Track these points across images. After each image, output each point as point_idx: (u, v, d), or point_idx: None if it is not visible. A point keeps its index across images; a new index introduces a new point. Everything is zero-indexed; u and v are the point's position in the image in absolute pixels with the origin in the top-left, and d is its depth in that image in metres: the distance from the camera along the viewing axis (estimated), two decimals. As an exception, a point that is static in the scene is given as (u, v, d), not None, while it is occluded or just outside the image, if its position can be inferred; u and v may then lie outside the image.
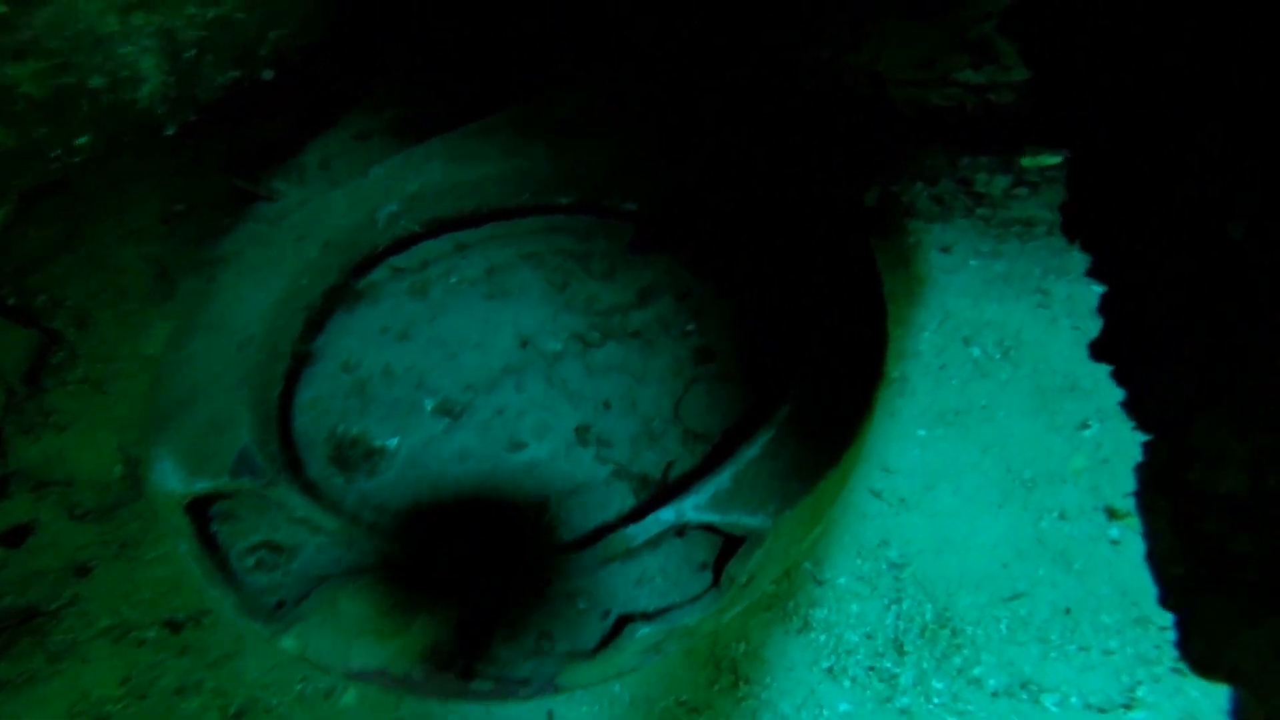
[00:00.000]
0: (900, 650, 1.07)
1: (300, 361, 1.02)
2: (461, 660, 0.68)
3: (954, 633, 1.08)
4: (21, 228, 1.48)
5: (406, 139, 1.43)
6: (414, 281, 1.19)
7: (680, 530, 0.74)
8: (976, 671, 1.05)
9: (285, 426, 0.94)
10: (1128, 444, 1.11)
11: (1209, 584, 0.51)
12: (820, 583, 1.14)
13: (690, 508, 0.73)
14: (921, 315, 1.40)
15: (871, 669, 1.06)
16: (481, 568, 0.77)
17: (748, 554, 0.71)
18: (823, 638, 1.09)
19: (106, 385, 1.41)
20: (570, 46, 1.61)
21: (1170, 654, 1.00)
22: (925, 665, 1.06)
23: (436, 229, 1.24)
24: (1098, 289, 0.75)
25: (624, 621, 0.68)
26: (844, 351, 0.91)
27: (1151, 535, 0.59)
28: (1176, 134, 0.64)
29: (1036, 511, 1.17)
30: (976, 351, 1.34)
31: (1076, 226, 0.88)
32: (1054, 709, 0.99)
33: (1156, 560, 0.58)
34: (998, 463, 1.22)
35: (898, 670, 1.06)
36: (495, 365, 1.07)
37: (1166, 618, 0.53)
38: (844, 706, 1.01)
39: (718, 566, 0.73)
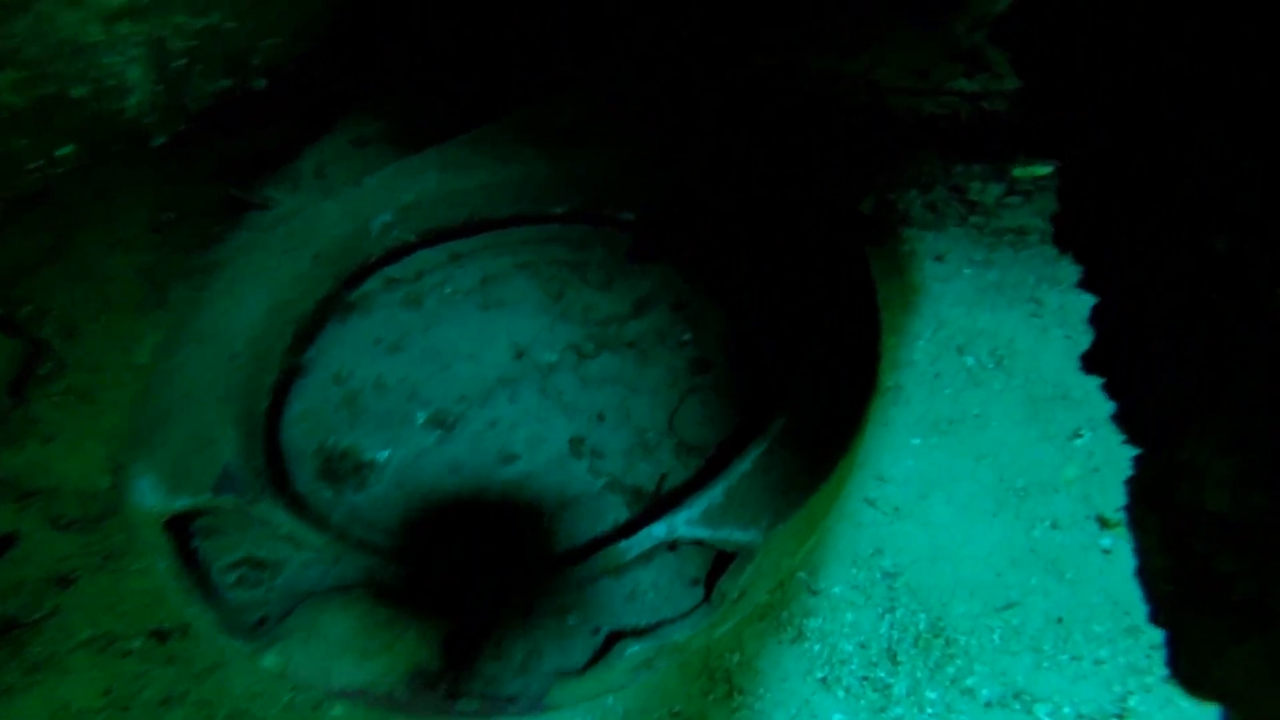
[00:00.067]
0: (894, 660, 1.08)
1: (290, 374, 1.02)
2: (448, 679, 0.67)
3: (947, 642, 1.08)
4: (6, 237, 1.46)
5: (403, 147, 1.42)
6: (408, 292, 1.18)
7: (672, 545, 0.74)
8: (970, 682, 1.05)
9: (273, 440, 0.93)
10: (1119, 454, 1.11)
11: (1197, 602, 0.51)
12: (814, 592, 1.14)
13: (682, 523, 0.73)
14: (916, 324, 1.41)
15: (865, 679, 1.06)
16: (471, 582, 0.76)
17: (739, 569, 0.71)
18: (817, 647, 1.09)
19: (95, 395, 1.39)
20: (570, 47, 1.61)
21: (1161, 664, 1.01)
22: (919, 675, 1.06)
23: (431, 239, 1.23)
24: (1089, 299, 0.76)
25: (614, 638, 0.68)
26: (838, 363, 0.91)
27: (1141, 552, 0.59)
28: (1170, 140, 0.64)
29: (1029, 520, 1.18)
30: (970, 360, 1.35)
31: (1067, 238, 0.88)
32: (1046, 719, 1.00)
33: (1146, 577, 0.58)
34: (991, 472, 1.23)
35: (891, 680, 1.06)
36: (489, 376, 1.07)
37: (1157, 629, 0.54)
38: (838, 717, 1.01)
39: (709, 581, 0.73)
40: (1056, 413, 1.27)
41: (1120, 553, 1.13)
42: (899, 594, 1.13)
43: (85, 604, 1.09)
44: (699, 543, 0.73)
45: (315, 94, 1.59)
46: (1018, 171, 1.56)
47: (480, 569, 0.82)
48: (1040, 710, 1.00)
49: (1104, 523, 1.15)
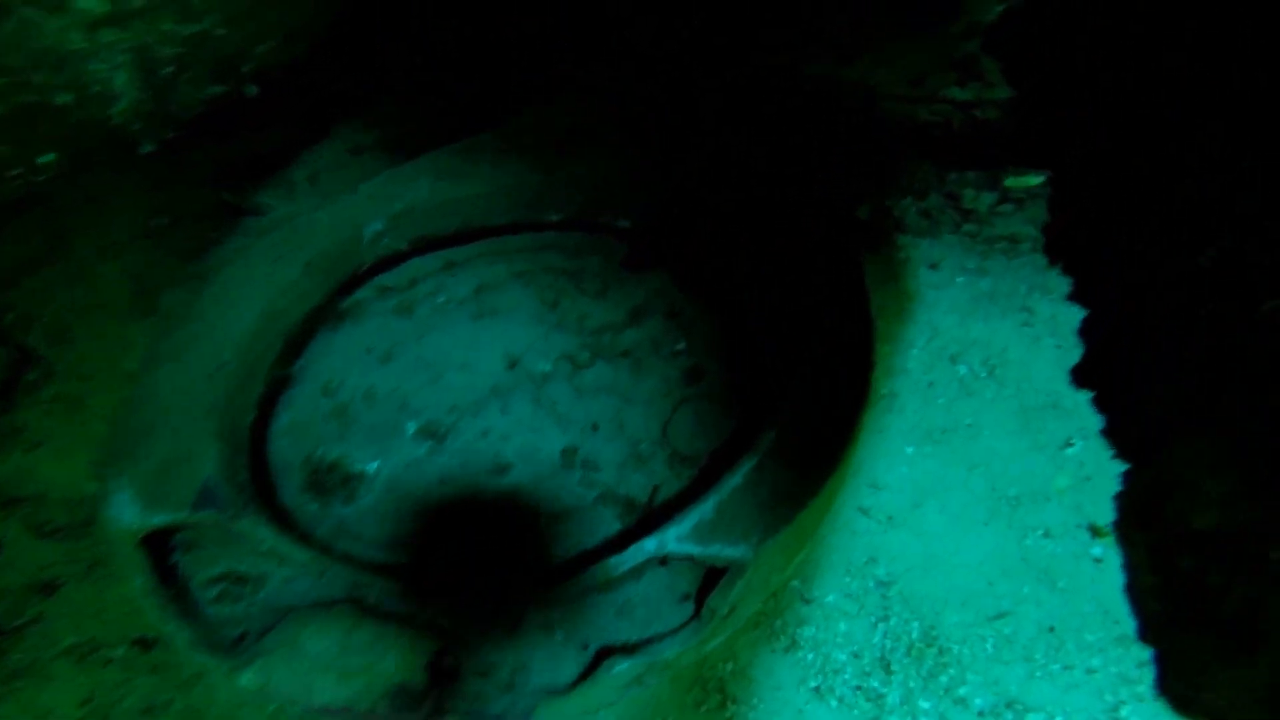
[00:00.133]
0: (887, 669, 1.08)
1: (279, 385, 1.01)
2: (432, 696, 0.67)
3: (940, 651, 1.09)
4: (-7, 244, 1.45)
5: (399, 154, 1.42)
6: (400, 300, 1.17)
7: (663, 560, 0.74)
8: (962, 691, 1.05)
9: (259, 453, 0.92)
10: (1109, 464, 1.12)
11: (1186, 620, 0.51)
12: (808, 601, 1.14)
13: (673, 538, 0.73)
14: (910, 332, 1.41)
15: (859, 688, 1.06)
16: (459, 597, 0.76)
17: (729, 586, 0.70)
18: (810, 656, 1.09)
19: (84, 402, 1.38)
20: (570, 47, 1.60)
21: (1152, 674, 1.01)
22: (912, 684, 1.06)
23: (425, 247, 1.23)
24: (1080, 310, 0.76)
25: (603, 654, 0.67)
26: (831, 374, 0.91)
27: (1130, 569, 0.59)
28: (1170, 140, 0.64)
29: (1021, 529, 1.18)
30: (963, 369, 1.36)
31: (1057, 249, 0.89)
32: (1039, 729, 1.00)
33: (1135, 594, 0.58)
34: (984, 481, 1.23)
35: (885, 690, 1.06)
36: (482, 386, 1.06)
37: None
38: (831, 728, 1.01)
39: (700, 597, 0.72)
40: (1048, 422, 1.27)
41: (1111, 562, 1.13)
42: (892, 603, 1.13)
43: (68, 611, 1.07)
44: (689, 559, 0.73)
45: (310, 99, 1.58)
46: (1009, 182, 1.57)
47: (469, 583, 0.81)
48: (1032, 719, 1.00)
49: (1095, 532, 1.16)
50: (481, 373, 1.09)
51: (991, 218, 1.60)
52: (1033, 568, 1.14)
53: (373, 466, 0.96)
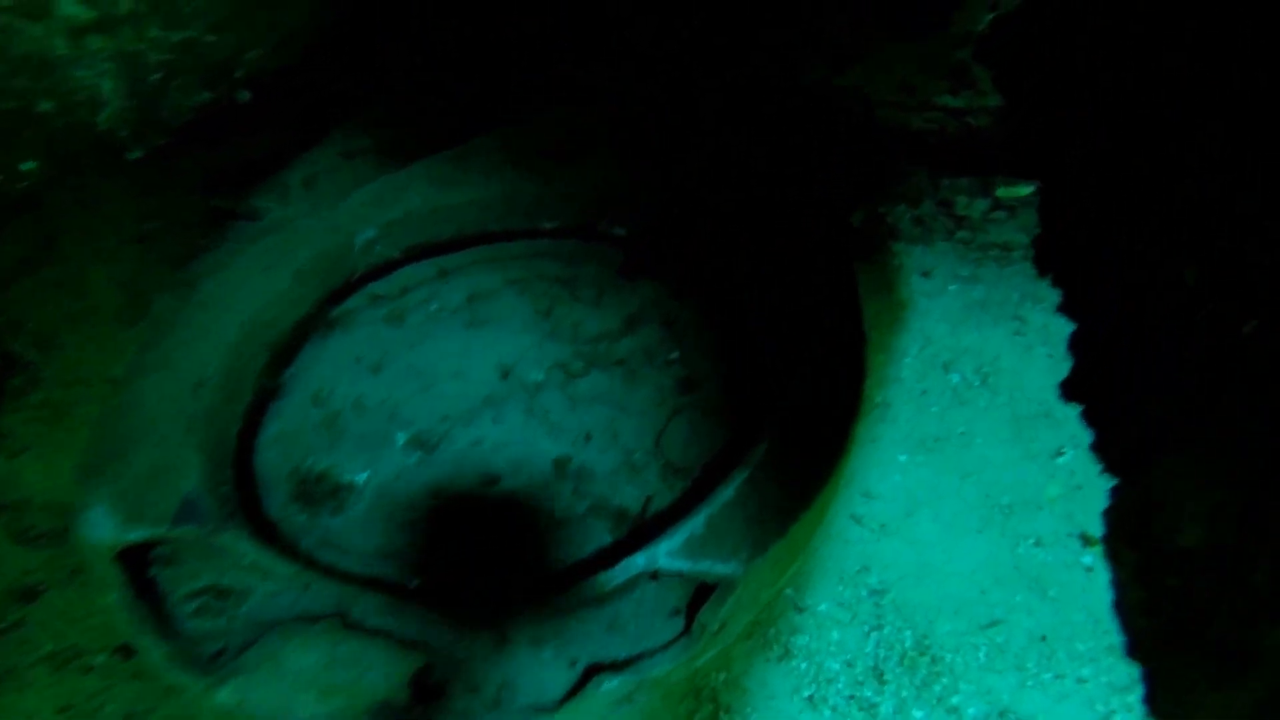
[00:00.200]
0: (880, 678, 1.08)
1: (267, 395, 1.00)
2: (416, 714, 0.66)
3: (933, 660, 1.09)
4: (-22, 251, 1.43)
5: (395, 159, 1.41)
6: (392, 309, 1.16)
7: (654, 574, 0.74)
8: (955, 700, 1.05)
9: (244, 464, 0.91)
10: (1100, 474, 1.13)
11: (1174, 639, 0.51)
12: (801, 610, 1.14)
13: (663, 554, 0.72)
14: (904, 340, 1.42)
15: (852, 697, 1.06)
16: (446, 611, 0.75)
17: (719, 602, 0.70)
18: (803, 665, 1.09)
19: (71, 409, 1.36)
20: (570, 46, 1.60)
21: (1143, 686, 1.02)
22: (905, 694, 1.06)
23: (418, 254, 1.22)
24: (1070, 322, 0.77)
25: (592, 671, 0.67)
26: (823, 387, 0.91)
27: (1118, 585, 0.60)
28: (1169, 141, 0.64)
29: (1013, 538, 1.19)
30: (956, 378, 1.37)
31: (1047, 261, 0.89)
32: (1031, 739, 1.00)
33: (1123, 610, 0.58)
34: (976, 489, 1.24)
35: (878, 699, 1.06)
36: (474, 396, 1.06)
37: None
38: (825, 738, 1.01)
39: (690, 612, 0.72)
40: (1039, 431, 1.28)
41: (1102, 571, 1.14)
42: (885, 611, 1.14)
43: (50, 618, 1.06)
44: (679, 575, 0.73)
45: (305, 103, 1.57)
46: (1001, 192, 1.59)
47: (456, 596, 0.80)
48: (1024, 730, 1.00)
49: (1086, 540, 1.17)
50: (473, 382, 1.08)
51: (985, 224, 1.61)
52: (1025, 576, 1.15)
53: (362, 477, 0.95)
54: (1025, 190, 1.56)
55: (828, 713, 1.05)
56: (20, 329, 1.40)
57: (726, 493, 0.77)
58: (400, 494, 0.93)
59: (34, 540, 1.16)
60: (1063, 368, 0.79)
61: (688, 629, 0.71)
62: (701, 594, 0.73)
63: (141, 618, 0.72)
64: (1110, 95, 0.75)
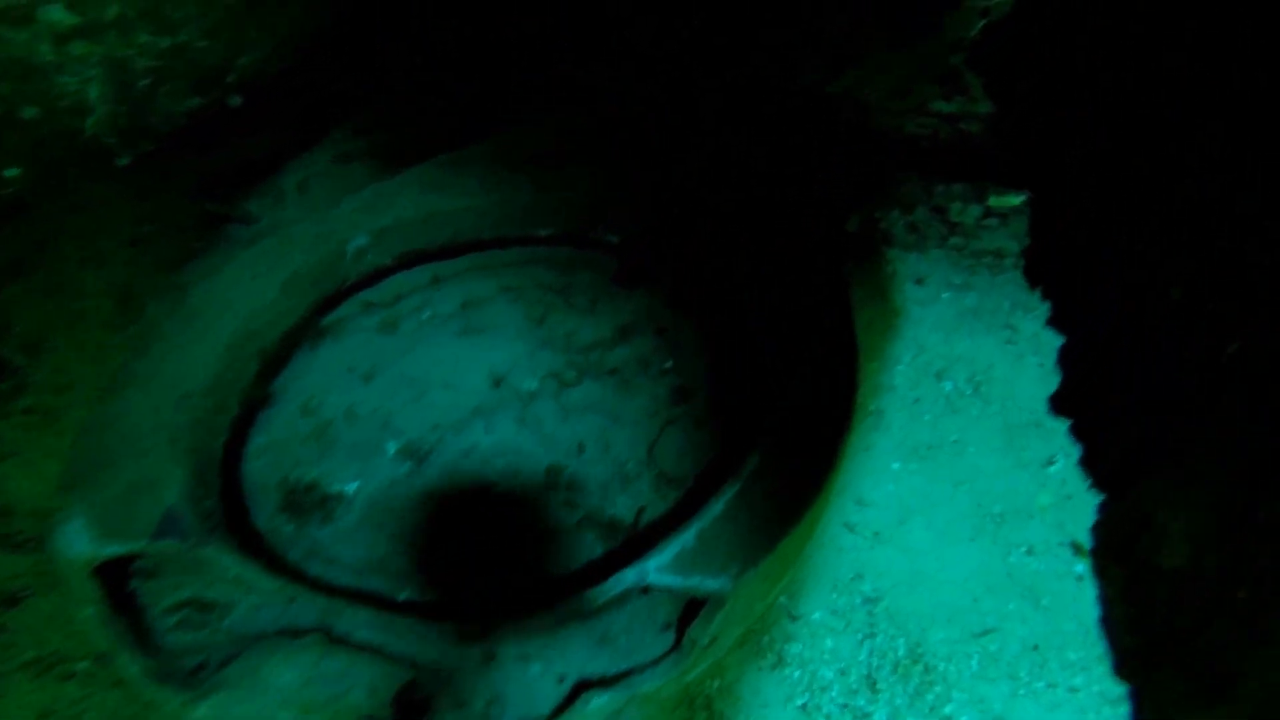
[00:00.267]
0: (873, 687, 1.08)
1: (254, 407, 0.99)
2: None
3: (926, 669, 1.09)
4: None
5: (391, 163, 1.40)
6: (384, 317, 1.16)
7: (644, 589, 0.73)
8: (948, 709, 1.05)
9: (232, 475, 0.90)
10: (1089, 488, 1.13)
11: (1160, 658, 0.51)
12: (795, 618, 1.13)
13: (653, 569, 0.72)
14: (897, 348, 1.42)
15: (845, 706, 1.06)
16: (434, 624, 0.74)
17: (709, 617, 0.70)
18: (797, 674, 1.09)
19: (59, 415, 1.35)
20: (570, 46, 1.60)
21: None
22: (898, 702, 1.06)
23: (410, 261, 1.21)
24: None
25: (581, 687, 0.66)
26: (815, 399, 0.91)
27: (1105, 601, 0.60)
28: (1169, 141, 0.64)
29: (1006, 546, 1.19)
30: (948, 386, 1.37)
31: (1037, 273, 0.90)
32: (1022, 748, 1.00)
33: (1110, 628, 0.58)
34: (969, 497, 1.24)
35: (871, 709, 1.06)
36: (466, 405, 1.05)
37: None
38: (818, 748, 1.01)
39: (681, 626, 0.72)
40: (1031, 440, 1.29)
41: (1093, 581, 1.14)
42: (878, 620, 1.14)
43: (33, 624, 1.04)
44: (669, 590, 0.72)
45: (299, 107, 1.56)
46: (992, 201, 1.59)
47: (445, 609, 0.80)
48: (1016, 739, 1.01)
49: (1077, 549, 1.17)
50: (466, 391, 1.08)
51: (977, 231, 1.61)
52: (1017, 584, 1.15)
53: (352, 487, 0.94)
54: (1016, 200, 1.57)
55: (821, 721, 1.05)
56: (8, 333, 1.39)
57: (717, 506, 0.76)
58: (390, 504, 0.92)
59: (18, 546, 1.15)
60: (1053, 378, 0.79)
61: (678, 644, 0.71)
62: (693, 608, 0.72)
63: (119, 632, 0.71)
64: (1110, 95, 0.74)
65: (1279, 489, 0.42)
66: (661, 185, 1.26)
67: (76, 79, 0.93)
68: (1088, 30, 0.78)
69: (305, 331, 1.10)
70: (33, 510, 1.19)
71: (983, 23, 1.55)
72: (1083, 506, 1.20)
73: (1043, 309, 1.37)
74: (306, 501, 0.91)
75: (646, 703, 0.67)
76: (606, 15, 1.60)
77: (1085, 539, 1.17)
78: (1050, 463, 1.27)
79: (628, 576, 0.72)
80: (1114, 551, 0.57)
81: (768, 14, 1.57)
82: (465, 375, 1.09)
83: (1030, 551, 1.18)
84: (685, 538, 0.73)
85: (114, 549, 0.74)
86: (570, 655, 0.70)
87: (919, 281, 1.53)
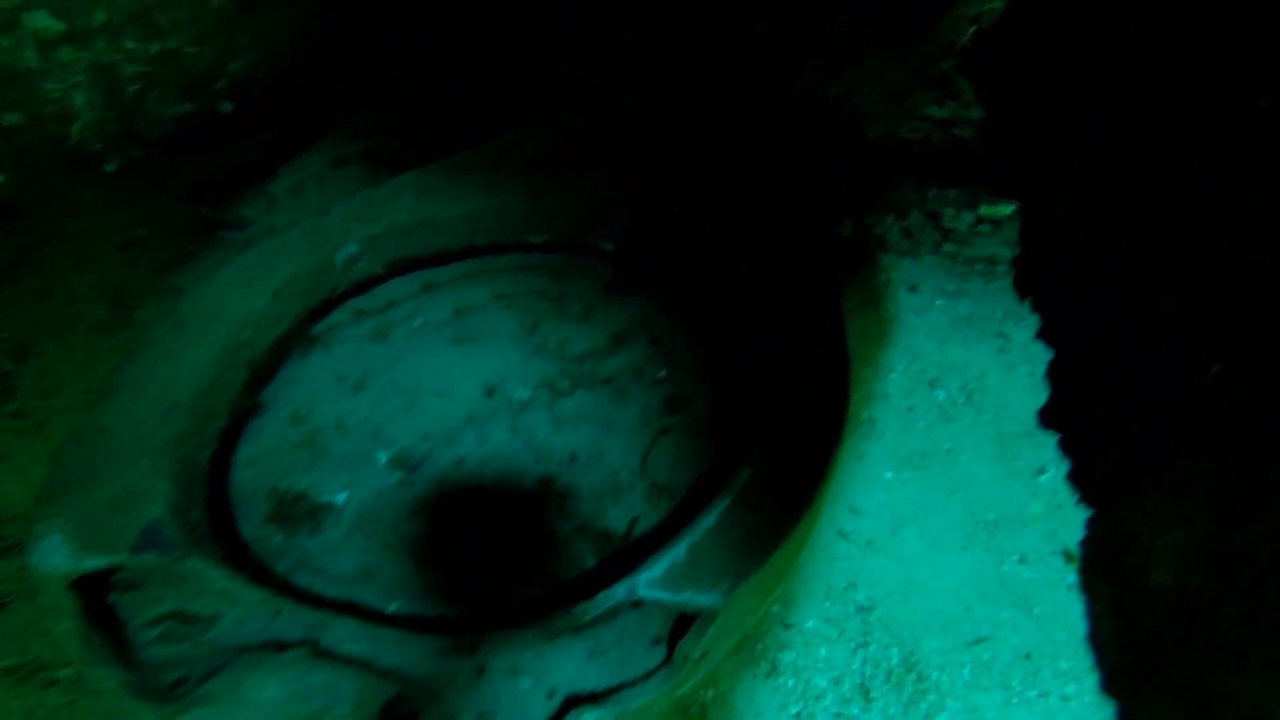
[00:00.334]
0: (867, 696, 1.08)
1: (245, 415, 0.98)
2: None
3: (919, 678, 1.09)
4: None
5: (386, 167, 1.39)
6: (375, 325, 1.15)
7: (636, 603, 0.73)
8: (941, 718, 1.05)
9: (219, 486, 0.89)
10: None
11: (1146, 676, 0.51)
12: (788, 626, 1.13)
13: (643, 584, 0.72)
14: (890, 356, 1.43)
15: (839, 715, 1.06)
16: (422, 637, 0.73)
17: (700, 632, 0.70)
18: (790, 682, 1.09)
19: (47, 420, 1.33)
20: (570, 46, 1.59)
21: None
22: (892, 711, 1.06)
23: (402, 269, 1.20)
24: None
25: (571, 703, 0.66)
26: (807, 410, 0.91)
27: (1092, 617, 0.60)
28: (1169, 141, 0.63)
29: (998, 555, 1.20)
30: (941, 395, 1.37)
31: (1026, 285, 0.90)
32: (1015, 758, 1.00)
33: (1097, 644, 0.58)
34: (961, 506, 1.24)
35: (865, 717, 1.06)
36: (458, 414, 1.04)
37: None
38: (811, 758, 1.01)
39: (672, 640, 0.71)
40: (1023, 449, 1.29)
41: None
42: (872, 628, 1.14)
43: (15, 630, 1.03)
44: (660, 604, 0.72)
45: (293, 111, 1.55)
46: (983, 210, 1.60)
47: (433, 622, 0.79)
48: (1009, 749, 1.01)
49: (1069, 557, 1.17)
50: (457, 400, 1.07)
51: (970, 238, 1.62)
52: (1010, 593, 1.15)
53: (341, 497, 0.93)
54: (1006, 210, 1.57)
55: (814, 731, 1.04)
56: (-5, 339, 1.37)
57: (708, 520, 0.76)
58: (381, 515, 0.92)
59: (3, 552, 1.13)
60: (1044, 388, 0.80)
61: (669, 658, 0.70)
62: (684, 622, 0.72)
63: (95, 646, 0.69)
64: (1110, 95, 0.74)
65: (1260, 511, 0.43)
66: (661, 185, 1.25)
67: (62, 85, 0.92)
68: (1087, 30, 0.78)
69: (295, 339, 1.09)
70: (18, 515, 1.18)
71: (973, 29, 1.56)
72: (1074, 515, 1.21)
73: (1034, 319, 1.38)
74: (295, 512, 0.90)
75: (637, 718, 0.67)
76: (606, 15, 1.60)
77: (1077, 548, 1.18)
78: (1042, 472, 1.27)
79: (618, 592, 0.71)
80: (1101, 567, 0.57)
81: (768, 14, 1.57)
82: (457, 384, 1.09)
83: (1022, 560, 1.19)
84: (676, 552, 0.73)
85: (92, 562, 0.73)
86: (561, 669, 0.70)
87: (912, 288, 1.54)
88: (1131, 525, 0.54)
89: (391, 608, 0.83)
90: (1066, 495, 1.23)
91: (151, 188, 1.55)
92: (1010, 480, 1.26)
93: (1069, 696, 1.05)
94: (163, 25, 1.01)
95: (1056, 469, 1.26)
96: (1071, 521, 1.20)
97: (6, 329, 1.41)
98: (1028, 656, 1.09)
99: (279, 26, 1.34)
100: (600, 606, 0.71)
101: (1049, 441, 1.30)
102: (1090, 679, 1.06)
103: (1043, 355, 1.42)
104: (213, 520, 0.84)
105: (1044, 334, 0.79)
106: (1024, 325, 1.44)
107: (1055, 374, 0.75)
